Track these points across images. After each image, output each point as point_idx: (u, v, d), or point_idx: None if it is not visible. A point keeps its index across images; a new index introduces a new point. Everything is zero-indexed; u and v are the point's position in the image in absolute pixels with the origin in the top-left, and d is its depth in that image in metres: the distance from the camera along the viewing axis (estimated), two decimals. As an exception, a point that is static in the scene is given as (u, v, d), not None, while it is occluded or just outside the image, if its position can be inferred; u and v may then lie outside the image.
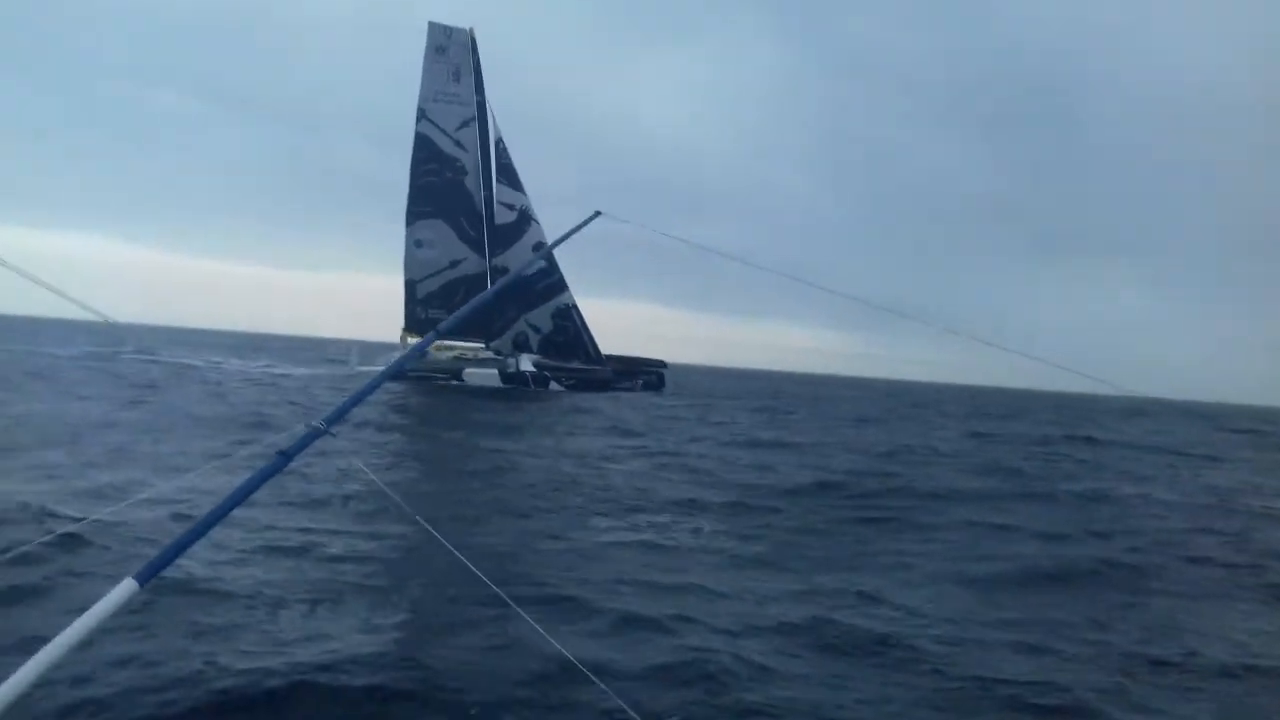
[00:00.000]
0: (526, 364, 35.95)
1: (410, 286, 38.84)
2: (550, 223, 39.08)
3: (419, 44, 38.23)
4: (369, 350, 41.04)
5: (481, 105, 38.92)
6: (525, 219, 38.40)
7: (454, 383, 34.55)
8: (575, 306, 38.63)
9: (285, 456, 2.23)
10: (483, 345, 38.65)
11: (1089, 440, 23.27)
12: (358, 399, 2.68)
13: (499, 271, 38.14)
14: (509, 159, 38.44)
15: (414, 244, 38.65)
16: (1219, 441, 27.05)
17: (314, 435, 2.29)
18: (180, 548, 2.08)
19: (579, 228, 3.99)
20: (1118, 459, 18.58)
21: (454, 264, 38.89)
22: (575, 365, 36.94)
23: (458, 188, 38.79)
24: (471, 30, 38.98)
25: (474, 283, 39.18)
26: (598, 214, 3.98)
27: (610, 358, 38.88)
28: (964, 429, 26.65)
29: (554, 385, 35.15)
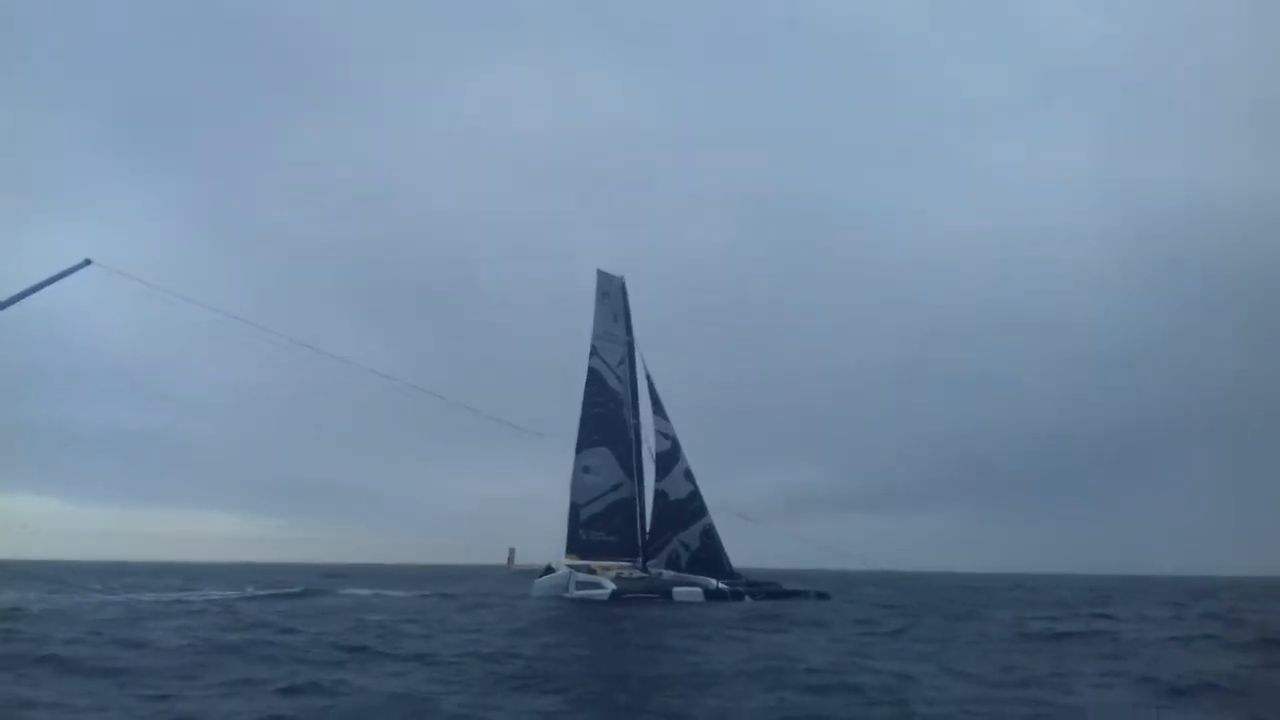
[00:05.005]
0: (714, 583, 39.21)
1: (575, 510, 39.85)
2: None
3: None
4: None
5: (630, 345, 43.25)
6: (676, 446, 42.50)
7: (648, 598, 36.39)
8: (713, 526, 42.85)
9: None
10: (632, 564, 40.66)
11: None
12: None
13: (660, 496, 41.34)
14: (657, 392, 42.84)
15: (582, 470, 40.24)
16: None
17: None
18: None
19: (67, 273, 4.78)
20: None
21: (614, 488, 41.05)
22: (759, 582, 41.02)
23: (618, 419, 41.85)
24: (623, 278, 43.87)
25: (627, 506, 41.56)
26: (88, 262, 4.97)
27: (738, 572, 43.26)
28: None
29: (748, 599, 38.83)
